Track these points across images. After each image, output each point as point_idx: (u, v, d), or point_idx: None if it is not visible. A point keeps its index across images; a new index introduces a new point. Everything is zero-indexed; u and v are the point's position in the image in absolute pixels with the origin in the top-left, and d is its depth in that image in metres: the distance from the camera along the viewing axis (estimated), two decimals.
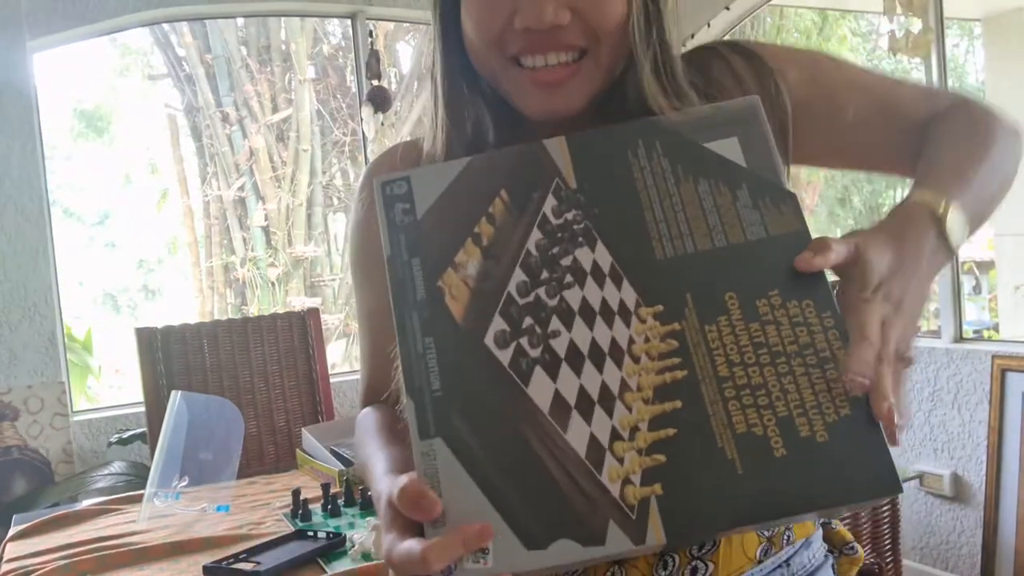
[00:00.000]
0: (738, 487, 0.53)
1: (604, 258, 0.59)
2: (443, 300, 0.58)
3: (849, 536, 0.83)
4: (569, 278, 0.58)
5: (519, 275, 0.58)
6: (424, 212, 0.61)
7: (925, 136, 0.74)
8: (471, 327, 0.57)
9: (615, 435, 0.54)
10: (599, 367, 0.56)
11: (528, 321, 0.57)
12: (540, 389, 0.55)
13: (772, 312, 0.56)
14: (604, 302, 0.57)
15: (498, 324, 0.57)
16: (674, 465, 0.53)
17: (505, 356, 0.56)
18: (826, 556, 0.80)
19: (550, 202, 0.60)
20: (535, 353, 0.56)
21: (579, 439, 0.54)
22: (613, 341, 0.56)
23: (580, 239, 0.59)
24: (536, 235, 0.59)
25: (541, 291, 0.58)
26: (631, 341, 0.56)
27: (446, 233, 0.60)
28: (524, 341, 0.56)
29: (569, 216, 0.60)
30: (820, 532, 0.80)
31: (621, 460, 0.54)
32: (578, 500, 0.53)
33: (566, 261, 0.59)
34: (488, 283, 0.58)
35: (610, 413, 0.55)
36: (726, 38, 0.80)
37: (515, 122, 0.77)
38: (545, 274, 0.58)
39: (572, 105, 0.72)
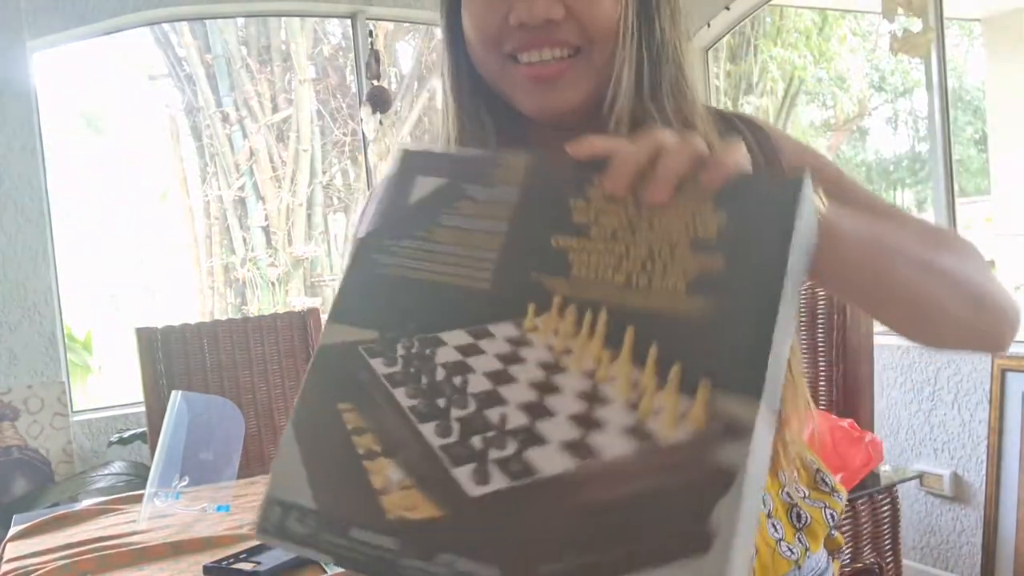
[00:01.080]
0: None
1: (459, 337, 0.54)
2: (407, 523, 0.50)
3: (842, 541, 0.86)
4: (458, 379, 0.53)
5: (427, 430, 0.52)
6: (311, 496, 0.52)
7: None
8: (456, 508, 0.49)
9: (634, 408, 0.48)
10: (556, 389, 0.51)
11: (477, 439, 0.51)
12: (548, 463, 0.49)
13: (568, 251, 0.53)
14: (500, 357, 0.53)
15: (464, 472, 0.50)
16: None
17: (501, 482, 0.49)
18: (828, 561, 0.82)
19: (379, 366, 0.55)
20: (510, 450, 0.50)
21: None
22: (547, 380, 0.51)
23: (428, 349, 0.55)
24: (403, 397, 0.54)
25: (456, 413, 0.52)
26: (558, 357, 0.51)
27: (344, 492, 0.52)
28: (493, 455, 0.50)
29: (401, 351, 0.55)
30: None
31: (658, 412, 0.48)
32: None
33: (440, 375, 0.53)
34: (423, 465, 0.51)
35: (615, 403, 0.49)
36: (740, 110, 0.80)
37: (516, 124, 0.79)
38: (442, 401, 0.53)
39: (568, 102, 0.74)
